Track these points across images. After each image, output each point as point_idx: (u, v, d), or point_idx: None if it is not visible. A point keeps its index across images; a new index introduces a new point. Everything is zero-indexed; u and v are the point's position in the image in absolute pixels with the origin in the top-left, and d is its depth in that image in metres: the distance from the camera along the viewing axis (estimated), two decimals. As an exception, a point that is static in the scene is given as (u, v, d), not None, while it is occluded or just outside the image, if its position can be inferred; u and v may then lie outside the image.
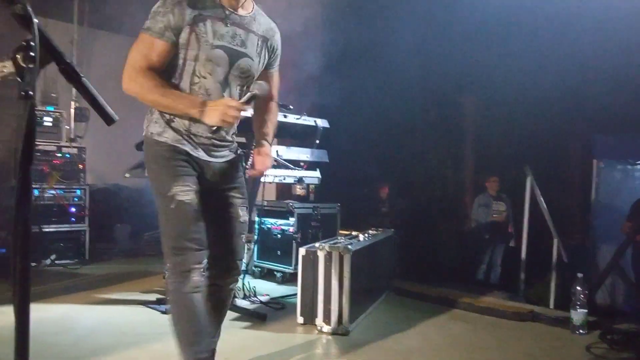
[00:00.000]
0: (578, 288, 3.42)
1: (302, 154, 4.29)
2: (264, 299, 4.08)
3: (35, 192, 5.29)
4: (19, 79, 1.09)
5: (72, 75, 1.14)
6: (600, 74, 6.24)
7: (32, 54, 1.07)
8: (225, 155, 2.19)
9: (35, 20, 1.09)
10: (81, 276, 5.04)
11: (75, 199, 5.66)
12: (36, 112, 1.44)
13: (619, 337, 3.20)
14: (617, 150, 6.63)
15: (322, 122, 4.18)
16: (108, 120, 1.18)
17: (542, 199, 4.95)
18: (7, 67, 3.06)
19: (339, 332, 3.26)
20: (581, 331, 3.40)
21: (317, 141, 4.19)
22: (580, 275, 3.50)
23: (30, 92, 1.05)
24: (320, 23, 6.32)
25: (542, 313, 3.82)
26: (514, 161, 6.19)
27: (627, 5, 5.02)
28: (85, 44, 7.24)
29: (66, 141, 5.75)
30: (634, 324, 3.42)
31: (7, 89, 5.07)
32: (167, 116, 2.03)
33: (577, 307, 3.41)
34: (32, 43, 1.07)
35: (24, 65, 1.08)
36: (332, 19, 6.01)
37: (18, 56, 1.09)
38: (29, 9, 1.06)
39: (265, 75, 2.23)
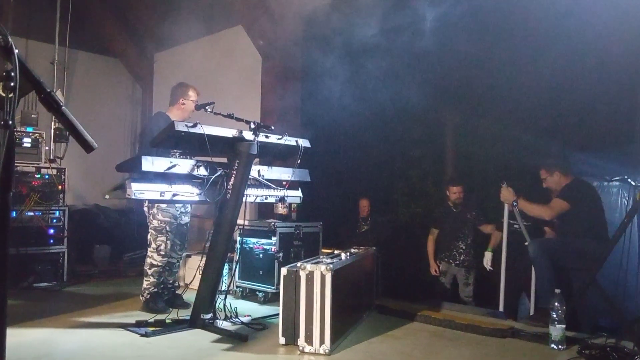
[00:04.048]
0: (556, 304, 3.48)
1: (284, 173, 4.31)
2: (245, 319, 4.06)
3: (13, 214, 5.22)
4: (-2, 108, 1.11)
5: (52, 105, 1.15)
6: (575, 91, 6.42)
7: (12, 83, 1.09)
8: None
9: (16, 51, 1.11)
10: (60, 299, 4.96)
11: (54, 221, 5.59)
12: (15, 136, 1.45)
13: (596, 352, 3.25)
14: (593, 167, 6.78)
15: (303, 142, 4.21)
16: (87, 148, 1.20)
17: (519, 215, 5.03)
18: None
19: (321, 352, 3.25)
20: (560, 346, 3.45)
21: (299, 161, 4.21)
22: (557, 291, 3.56)
23: (10, 122, 1.07)
24: (299, 41, 6.43)
25: (522, 329, 3.87)
26: (493, 177, 6.29)
27: (601, 25, 5.19)
28: (67, 64, 7.22)
29: (45, 162, 5.69)
30: (611, 339, 3.48)
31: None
32: None
33: (556, 322, 3.47)
34: (12, 73, 1.09)
35: (3, 94, 1.10)
36: (311, 36, 6.11)
37: (-2, 86, 1.10)
38: (10, 40, 1.09)
39: None
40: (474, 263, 5.80)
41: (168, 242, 4.34)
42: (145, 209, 4.42)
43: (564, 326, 3.47)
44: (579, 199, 4.51)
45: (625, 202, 5.94)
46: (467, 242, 5.83)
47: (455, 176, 6.85)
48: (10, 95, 1.09)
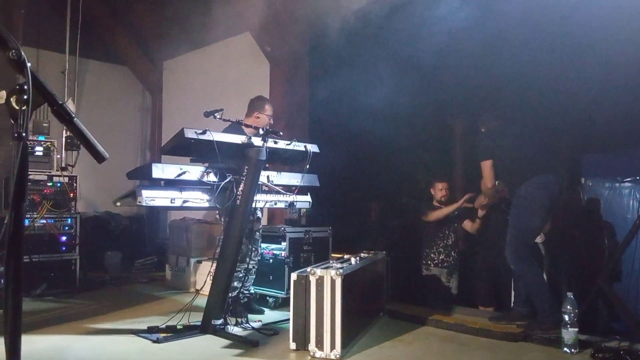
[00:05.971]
0: (568, 307, 3.45)
1: (293, 178, 4.32)
2: (256, 325, 4.07)
3: (26, 222, 5.27)
4: (12, 121, 1.13)
5: (64, 116, 1.17)
6: (586, 92, 6.37)
7: (25, 97, 1.11)
8: None
9: (29, 64, 1.13)
10: (72, 306, 5.00)
11: (66, 228, 5.64)
12: (28, 146, 1.47)
13: (610, 355, 3.22)
14: (604, 168, 6.73)
15: (312, 147, 4.22)
16: (99, 158, 1.22)
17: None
18: (0, 96, 3.13)
19: (332, 357, 3.25)
20: (572, 350, 3.42)
21: (308, 166, 4.22)
22: (569, 294, 3.53)
23: (24, 134, 1.09)
24: (307, 47, 6.45)
25: (534, 333, 3.84)
26: (503, 180, 6.26)
27: (611, 26, 5.16)
28: (77, 73, 7.30)
29: (57, 170, 5.75)
30: (624, 342, 3.45)
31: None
32: None
33: (568, 326, 3.44)
34: (25, 87, 1.11)
35: (17, 107, 1.12)
36: (319, 41, 6.13)
37: (12, 99, 1.13)
38: (23, 54, 1.11)
39: None
40: (456, 266, 5.64)
41: (243, 247, 4.38)
42: (217, 216, 4.49)
43: (576, 329, 3.44)
44: (490, 148, 4.23)
45: (637, 204, 5.89)
46: (447, 242, 5.61)
47: (440, 172, 6.75)
48: (24, 108, 1.12)
